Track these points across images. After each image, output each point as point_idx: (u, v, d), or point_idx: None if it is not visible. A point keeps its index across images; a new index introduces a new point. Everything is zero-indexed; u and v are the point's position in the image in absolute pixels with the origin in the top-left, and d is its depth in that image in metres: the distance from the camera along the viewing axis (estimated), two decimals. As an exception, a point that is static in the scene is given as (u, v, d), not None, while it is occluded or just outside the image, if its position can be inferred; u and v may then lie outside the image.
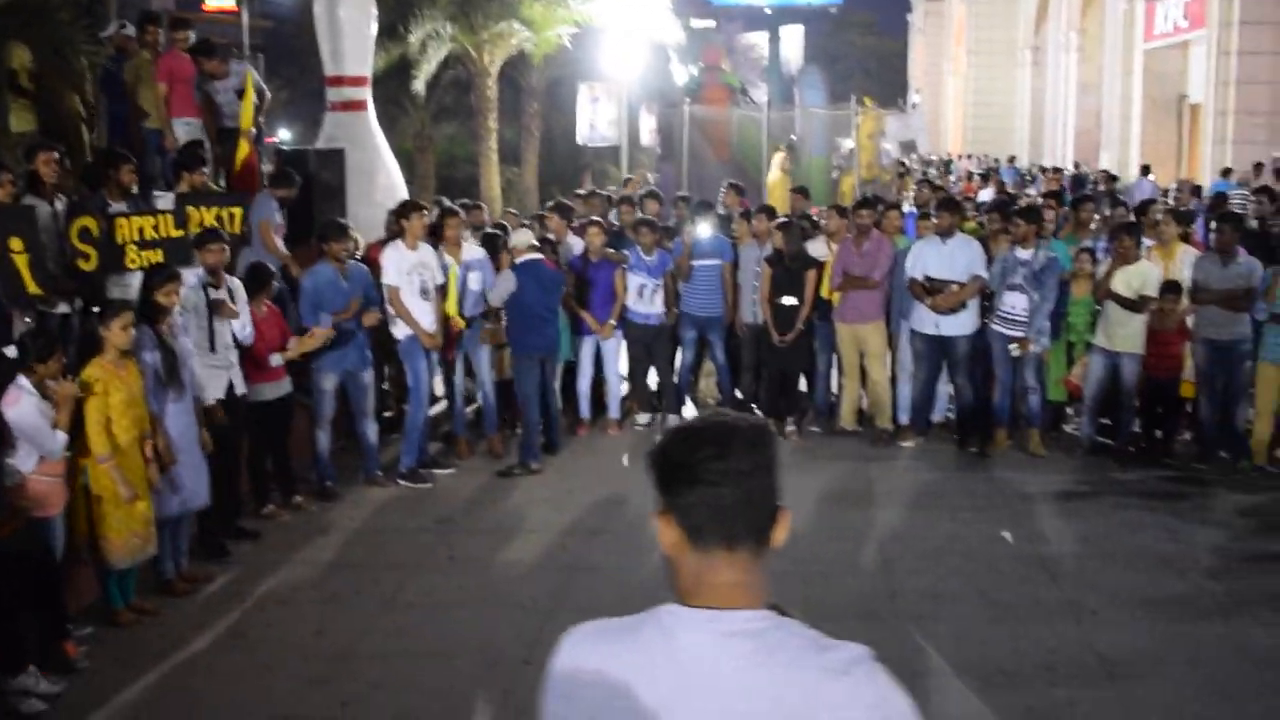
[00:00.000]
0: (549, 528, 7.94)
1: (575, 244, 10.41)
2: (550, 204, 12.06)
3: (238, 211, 8.78)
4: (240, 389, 7.63)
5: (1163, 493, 8.64)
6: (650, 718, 1.80)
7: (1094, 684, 5.58)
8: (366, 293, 8.70)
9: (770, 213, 10.81)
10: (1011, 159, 35.18)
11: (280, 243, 9.34)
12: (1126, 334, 9.20)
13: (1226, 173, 21.71)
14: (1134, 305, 9.06)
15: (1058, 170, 25.60)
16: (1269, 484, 8.83)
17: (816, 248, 10.26)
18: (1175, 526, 7.88)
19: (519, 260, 9.26)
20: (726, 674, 1.78)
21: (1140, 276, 9.13)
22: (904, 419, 10.18)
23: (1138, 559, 7.26)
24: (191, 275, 7.37)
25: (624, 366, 10.72)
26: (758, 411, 10.68)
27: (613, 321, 10.19)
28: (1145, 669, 5.74)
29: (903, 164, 22.96)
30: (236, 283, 7.80)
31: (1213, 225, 9.75)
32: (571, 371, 10.45)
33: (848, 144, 22.02)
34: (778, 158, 19.07)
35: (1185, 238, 9.72)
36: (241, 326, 7.63)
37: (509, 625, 6.28)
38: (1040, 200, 14.22)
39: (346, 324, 8.49)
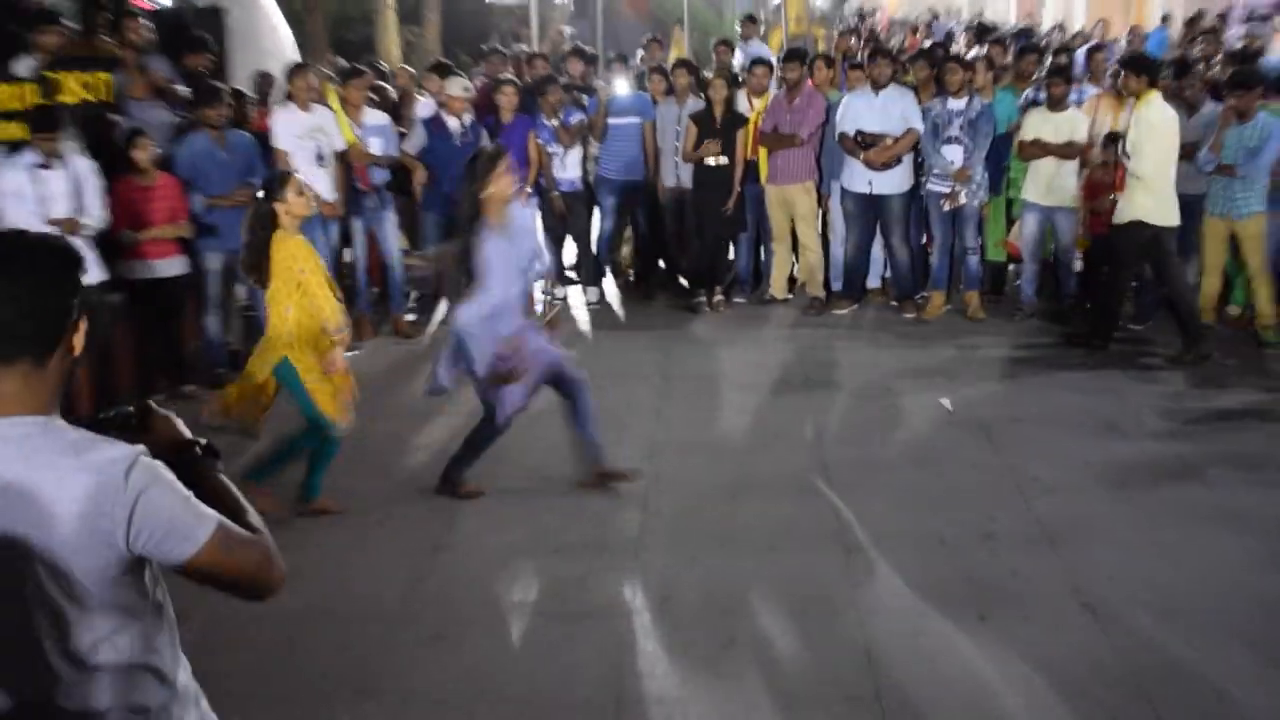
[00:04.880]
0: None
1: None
2: (431, 63, 11.66)
3: (104, 76, 8.37)
4: (95, 276, 7.26)
5: (1106, 354, 8.71)
6: None
7: (1036, 551, 5.61)
8: (251, 163, 8.38)
9: (690, 67, 10.58)
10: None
11: None
12: (1058, 187, 9.24)
13: (1165, 20, 21.51)
14: (1065, 152, 9.08)
15: (987, 28, 25.25)
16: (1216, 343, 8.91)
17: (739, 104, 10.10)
18: (1120, 388, 7.97)
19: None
20: None
21: (1070, 123, 9.17)
22: (837, 285, 10.17)
23: (1081, 423, 7.32)
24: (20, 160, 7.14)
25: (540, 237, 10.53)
26: (684, 282, 10.62)
27: (527, 189, 9.98)
28: (1089, 535, 5.78)
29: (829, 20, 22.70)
30: (84, 164, 7.34)
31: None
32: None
33: (775, -4, 21.73)
34: (677, 35, 18.59)
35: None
36: (82, 209, 7.26)
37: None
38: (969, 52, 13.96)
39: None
